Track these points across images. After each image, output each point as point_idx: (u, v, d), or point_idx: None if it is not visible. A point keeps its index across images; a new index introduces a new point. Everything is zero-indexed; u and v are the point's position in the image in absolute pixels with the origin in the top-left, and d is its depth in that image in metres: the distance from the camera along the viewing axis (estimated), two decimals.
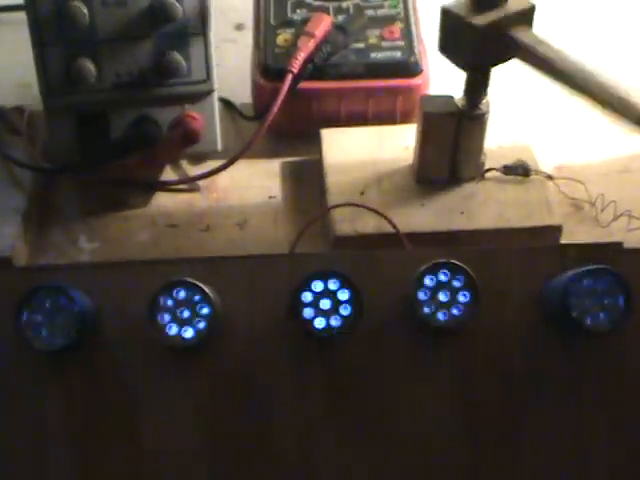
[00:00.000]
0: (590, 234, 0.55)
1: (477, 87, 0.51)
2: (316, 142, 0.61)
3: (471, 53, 0.47)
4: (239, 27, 0.87)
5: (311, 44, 0.59)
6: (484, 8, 0.46)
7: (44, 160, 0.57)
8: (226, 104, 0.67)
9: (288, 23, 0.62)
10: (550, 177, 0.59)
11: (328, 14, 0.63)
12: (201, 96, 0.54)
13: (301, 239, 0.54)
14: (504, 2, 0.46)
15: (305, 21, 0.62)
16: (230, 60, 0.83)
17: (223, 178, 0.60)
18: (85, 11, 0.49)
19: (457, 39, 0.47)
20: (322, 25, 0.60)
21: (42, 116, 0.61)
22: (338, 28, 0.60)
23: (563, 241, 0.54)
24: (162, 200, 0.59)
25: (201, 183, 0.60)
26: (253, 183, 0.61)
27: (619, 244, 0.46)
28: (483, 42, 0.46)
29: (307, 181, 0.61)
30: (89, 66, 0.50)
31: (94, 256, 0.55)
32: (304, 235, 0.54)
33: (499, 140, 0.59)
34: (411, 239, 0.52)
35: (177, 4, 0.50)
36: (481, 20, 0.45)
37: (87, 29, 0.49)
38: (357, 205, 0.53)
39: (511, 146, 0.59)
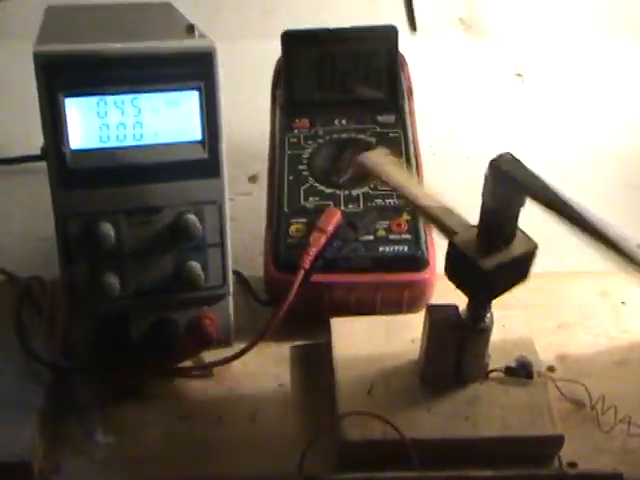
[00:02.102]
0: (591, 439, 0.57)
1: (480, 305, 0.54)
2: (325, 326, 0.63)
3: (477, 288, 0.50)
4: (253, 179, 0.91)
5: (323, 240, 0.62)
6: (491, 251, 0.49)
7: (64, 350, 0.59)
8: (238, 276, 0.70)
9: (301, 212, 0.66)
10: (551, 370, 0.61)
11: (339, 202, 0.66)
12: (217, 299, 0.57)
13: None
14: (510, 243, 0.49)
15: (317, 211, 0.65)
16: (244, 214, 0.86)
17: (235, 363, 0.62)
18: (112, 232, 0.52)
19: (463, 273, 0.50)
20: (334, 221, 0.62)
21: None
22: (349, 224, 0.63)
23: (565, 448, 0.55)
24: (176, 387, 0.61)
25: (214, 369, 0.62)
26: (264, 369, 0.63)
27: (619, 476, 0.47)
28: (489, 281, 0.49)
29: (316, 366, 0.63)
30: (114, 281, 0.52)
31: (110, 451, 0.56)
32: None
33: (502, 332, 0.61)
34: (417, 445, 0.54)
35: (199, 225, 0.53)
36: (488, 264, 0.48)
37: (113, 247, 0.52)
38: (364, 413, 0.55)
39: (513, 339, 0.61)
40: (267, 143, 0.76)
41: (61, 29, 0.57)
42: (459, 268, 0.50)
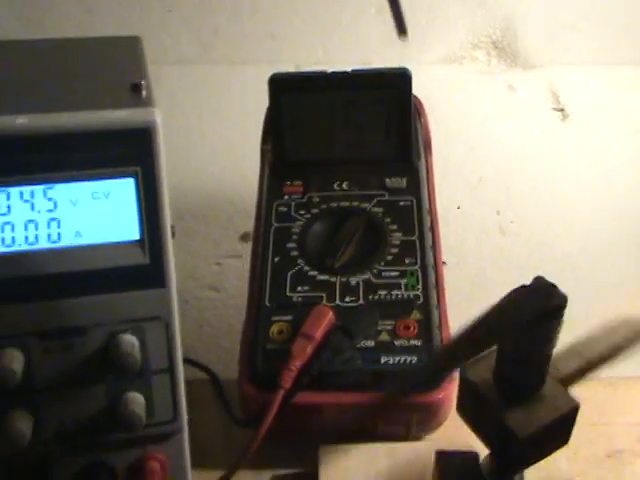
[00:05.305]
0: None
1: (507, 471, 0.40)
2: (313, 453, 0.51)
3: (505, 454, 0.37)
4: (245, 237, 0.78)
5: (308, 350, 0.48)
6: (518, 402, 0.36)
7: None
8: (212, 378, 0.57)
9: (286, 306, 0.52)
10: None
11: (333, 293, 0.53)
12: (166, 437, 0.44)
13: None
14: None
15: (305, 305, 0.52)
16: (232, 283, 0.74)
17: None
18: (20, 361, 0.39)
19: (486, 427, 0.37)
20: (323, 325, 0.49)
21: None
22: (342, 329, 0.50)
23: None
24: None
25: None
26: None
27: None
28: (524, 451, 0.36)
29: None
30: (23, 424, 0.40)
31: None
32: None
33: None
34: None
35: (136, 348, 0.40)
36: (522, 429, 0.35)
37: (23, 380, 0.39)
38: None
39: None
40: None
41: None
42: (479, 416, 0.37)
